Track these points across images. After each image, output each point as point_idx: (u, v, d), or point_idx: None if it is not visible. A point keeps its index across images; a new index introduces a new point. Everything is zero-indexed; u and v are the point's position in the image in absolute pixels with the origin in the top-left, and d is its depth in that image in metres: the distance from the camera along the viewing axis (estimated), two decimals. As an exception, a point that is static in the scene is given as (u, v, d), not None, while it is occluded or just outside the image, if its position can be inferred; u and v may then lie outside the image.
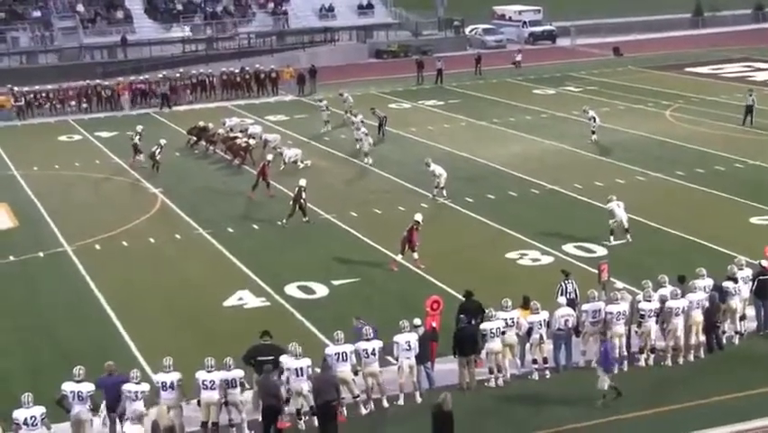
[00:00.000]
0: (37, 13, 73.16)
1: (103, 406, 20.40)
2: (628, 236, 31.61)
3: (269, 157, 39.82)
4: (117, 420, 20.18)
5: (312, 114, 52.23)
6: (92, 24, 73.36)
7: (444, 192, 37.16)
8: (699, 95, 56.91)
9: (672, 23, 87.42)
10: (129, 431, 19.02)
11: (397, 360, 21.89)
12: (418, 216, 30.64)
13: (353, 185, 40.67)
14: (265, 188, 38.27)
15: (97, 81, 60.90)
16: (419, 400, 21.69)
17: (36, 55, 71.74)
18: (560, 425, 20.46)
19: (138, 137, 44.59)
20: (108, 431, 20.44)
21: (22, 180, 42.94)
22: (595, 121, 45.70)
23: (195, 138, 47.41)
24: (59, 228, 35.58)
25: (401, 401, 21.74)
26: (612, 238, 31.58)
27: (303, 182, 35.09)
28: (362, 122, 46.28)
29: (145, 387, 20.12)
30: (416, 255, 29.98)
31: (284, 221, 34.59)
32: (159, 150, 42.88)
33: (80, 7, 74.01)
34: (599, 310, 23.08)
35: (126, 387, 20.01)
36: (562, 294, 24.19)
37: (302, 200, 34.62)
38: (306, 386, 20.81)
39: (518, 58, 68.93)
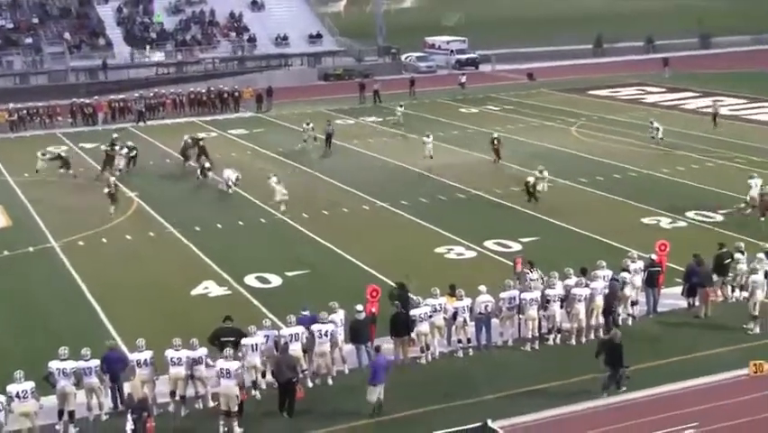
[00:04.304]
0: (29, 40, 72.15)
1: (107, 378, 20.34)
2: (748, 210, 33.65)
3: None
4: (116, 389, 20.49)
5: (268, 128, 51.65)
6: (77, 50, 72.42)
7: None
8: (599, 114, 57.44)
9: (577, 53, 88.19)
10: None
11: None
12: None
13: (304, 190, 40.32)
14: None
15: (81, 100, 60.26)
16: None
17: (28, 77, 70.75)
18: (480, 395, 20.56)
19: (114, 146, 44.51)
20: (110, 401, 20.55)
21: (15, 186, 42.31)
22: (658, 131, 46.90)
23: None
24: (48, 227, 35.11)
25: (346, 371, 21.92)
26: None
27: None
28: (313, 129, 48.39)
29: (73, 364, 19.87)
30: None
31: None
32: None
33: (67, 35, 73.02)
34: (515, 297, 23.24)
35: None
36: (530, 280, 24.27)
37: (534, 187, 36.14)
38: (258, 360, 20.81)
39: (463, 80, 68.98)
